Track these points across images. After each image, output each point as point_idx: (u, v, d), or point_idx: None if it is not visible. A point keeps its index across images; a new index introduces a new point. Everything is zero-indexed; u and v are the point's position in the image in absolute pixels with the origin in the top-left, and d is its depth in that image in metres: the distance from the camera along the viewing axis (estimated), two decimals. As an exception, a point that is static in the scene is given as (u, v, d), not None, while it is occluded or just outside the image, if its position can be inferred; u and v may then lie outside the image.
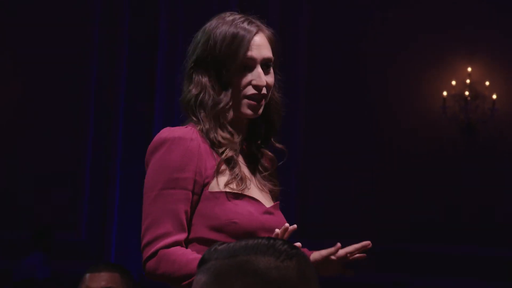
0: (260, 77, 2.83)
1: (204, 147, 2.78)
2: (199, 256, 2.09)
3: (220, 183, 2.76)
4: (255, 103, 2.84)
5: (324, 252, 2.72)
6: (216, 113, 2.87)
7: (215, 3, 9.09)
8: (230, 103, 2.87)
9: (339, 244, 2.69)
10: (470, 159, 8.70)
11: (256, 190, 2.87)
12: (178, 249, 2.66)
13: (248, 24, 2.85)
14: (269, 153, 2.96)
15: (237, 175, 2.78)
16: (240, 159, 2.90)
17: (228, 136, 2.85)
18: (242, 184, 2.78)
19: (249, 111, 2.86)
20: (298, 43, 8.84)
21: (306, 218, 8.26)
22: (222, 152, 2.81)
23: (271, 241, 1.63)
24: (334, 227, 7.76)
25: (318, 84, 8.68)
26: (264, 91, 2.83)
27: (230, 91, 2.86)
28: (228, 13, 2.92)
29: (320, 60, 9.00)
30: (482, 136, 8.65)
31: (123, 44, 9.49)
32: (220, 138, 2.84)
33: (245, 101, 2.85)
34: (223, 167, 2.79)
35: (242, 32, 2.85)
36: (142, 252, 2.64)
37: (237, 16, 2.90)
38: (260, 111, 2.87)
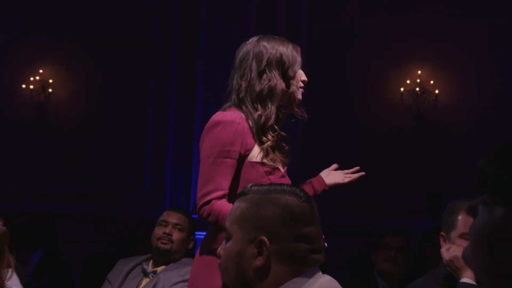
0: (305, 75, 3.37)
1: (247, 127, 3.18)
2: None
3: (257, 156, 3.19)
4: (303, 90, 3.37)
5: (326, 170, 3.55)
6: (290, 99, 3.34)
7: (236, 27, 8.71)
8: (287, 93, 3.32)
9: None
10: (420, 138, 8.75)
11: (279, 162, 3.29)
12: (225, 201, 3.08)
13: (290, 43, 3.38)
14: (284, 134, 3.39)
15: (271, 158, 3.21)
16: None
17: (282, 116, 3.37)
18: (275, 161, 3.23)
19: (300, 96, 3.35)
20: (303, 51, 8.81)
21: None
22: (270, 135, 3.24)
23: (292, 188, 2.17)
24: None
25: (313, 85, 8.20)
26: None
27: (293, 85, 3.31)
28: (267, 37, 3.39)
29: (314, 65, 8.32)
30: (428, 120, 8.74)
31: (175, 52, 9.42)
32: (278, 118, 3.32)
33: (300, 90, 3.35)
34: (261, 148, 3.20)
35: (293, 48, 3.35)
36: (198, 199, 3.12)
37: (281, 39, 3.39)
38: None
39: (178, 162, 9.25)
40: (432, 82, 8.86)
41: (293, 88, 3.28)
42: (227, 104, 3.30)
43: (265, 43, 3.29)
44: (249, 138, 3.19)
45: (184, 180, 9.19)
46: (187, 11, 9.51)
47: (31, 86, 9.65)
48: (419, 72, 8.89)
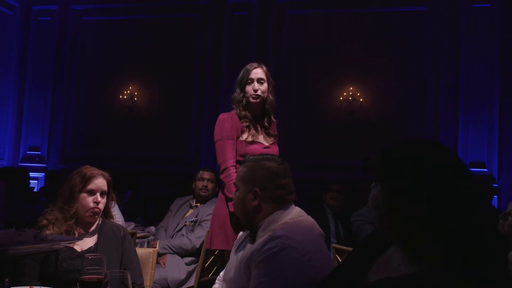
0: (255, 86, 3.19)
1: (237, 120, 3.16)
2: None
3: (243, 136, 3.15)
4: (254, 97, 3.20)
5: None
6: (237, 103, 3.21)
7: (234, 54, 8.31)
8: (244, 99, 3.21)
9: None
10: (352, 127, 8.49)
11: (262, 139, 3.22)
12: (234, 171, 3.00)
13: (251, 65, 3.25)
14: (274, 119, 3.31)
15: (250, 133, 3.17)
16: (258, 125, 3.23)
17: (245, 113, 3.21)
18: (254, 137, 3.16)
19: (253, 100, 3.21)
20: (282, 72, 8.46)
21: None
22: (244, 121, 3.19)
23: (273, 156, 2.16)
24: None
25: (289, 98, 8.42)
26: (258, 92, 3.19)
27: (243, 94, 3.22)
28: (248, 64, 3.29)
29: (292, 84, 8.59)
30: (356, 116, 8.48)
31: (207, 77, 9.17)
32: (242, 114, 3.20)
33: (251, 97, 3.21)
34: (245, 129, 3.16)
35: (247, 68, 3.24)
36: (221, 165, 3.10)
37: (248, 65, 3.27)
38: (258, 101, 3.20)
39: (210, 141, 8.60)
40: (358, 94, 8.61)
41: (246, 95, 3.20)
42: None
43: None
44: (238, 125, 3.14)
45: (214, 151, 8.86)
46: (215, 52, 9.29)
47: (125, 96, 9.57)
48: (351, 88, 8.63)
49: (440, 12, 8.38)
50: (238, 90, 3.21)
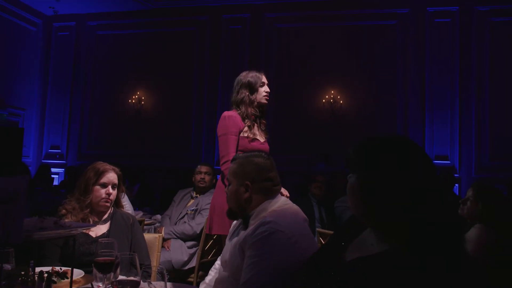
0: (268, 89, 3.17)
1: (240, 119, 3.07)
2: None
3: (245, 133, 3.06)
4: (266, 97, 3.16)
5: None
6: (250, 103, 3.12)
7: (228, 61, 7.98)
8: (255, 100, 3.13)
9: None
10: (333, 127, 8.42)
11: (259, 136, 3.13)
12: None
13: (258, 72, 3.19)
14: (264, 121, 3.22)
15: (252, 131, 3.08)
16: (256, 124, 3.15)
17: (254, 111, 3.13)
18: (254, 135, 3.08)
19: (265, 101, 3.15)
20: (272, 78, 8.82)
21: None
22: (248, 121, 3.09)
23: (261, 152, 2.10)
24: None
25: (279, 101, 8.27)
26: (268, 93, 3.18)
27: (256, 95, 3.14)
28: (247, 71, 3.20)
29: (282, 88, 8.35)
30: (336, 117, 8.44)
31: (205, 82, 9.09)
32: (250, 112, 3.11)
33: (263, 97, 3.14)
34: (247, 127, 3.08)
35: (258, 75, 3.16)
36: (221, 159, 2.97)
37: (253, 71, 3.19)
38: (267, 100, 3.18)
39: (208, 139, 9.03)
40: (339, 97, 8.56)
41: (257, 96, 3.12)
42: (232, 107, 3.18)
43: (242, 76, 3.16)
44: (241, 123, 3.06)
45: (212, 148, 8.99)
46: (213, 61, 9.20)
47: (133, 101, 9.51)
48: (332, 91, 8.56)
49: (408, 25, 8.45)
50: (247, 92, 3.12)
